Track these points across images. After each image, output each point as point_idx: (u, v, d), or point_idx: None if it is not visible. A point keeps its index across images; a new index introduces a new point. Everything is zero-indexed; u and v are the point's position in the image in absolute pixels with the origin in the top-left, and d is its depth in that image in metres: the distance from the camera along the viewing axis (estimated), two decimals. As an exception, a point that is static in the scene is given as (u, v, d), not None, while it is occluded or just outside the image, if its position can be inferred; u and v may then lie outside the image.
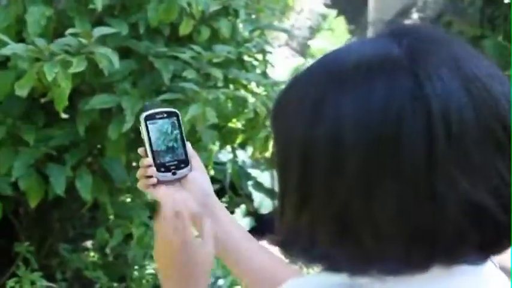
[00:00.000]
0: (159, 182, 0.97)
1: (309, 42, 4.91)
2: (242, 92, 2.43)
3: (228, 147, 3.11)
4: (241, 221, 4.16)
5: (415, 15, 6.29)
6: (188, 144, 1.00)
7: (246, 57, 2.53)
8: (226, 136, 2.51)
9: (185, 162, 0.99)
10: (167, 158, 0.98)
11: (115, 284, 3.14)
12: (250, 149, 3.99)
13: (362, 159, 0.58)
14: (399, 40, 0.61)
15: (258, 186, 4.25)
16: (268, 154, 2.48)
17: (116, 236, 2.72)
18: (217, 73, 2.19)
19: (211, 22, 2.33)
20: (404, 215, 0.58)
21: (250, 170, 4.29)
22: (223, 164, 4.20)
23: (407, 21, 6.55)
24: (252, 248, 0.99)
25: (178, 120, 1.00)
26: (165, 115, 1.00)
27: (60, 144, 2.30)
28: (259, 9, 2.44)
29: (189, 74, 2.12)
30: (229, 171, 4.08)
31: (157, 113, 0.99)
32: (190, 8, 2.19)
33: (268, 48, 2.53)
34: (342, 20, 7.06)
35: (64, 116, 2.02)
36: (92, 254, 3.34)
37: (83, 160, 2.36)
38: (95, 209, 2.94)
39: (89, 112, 2.18)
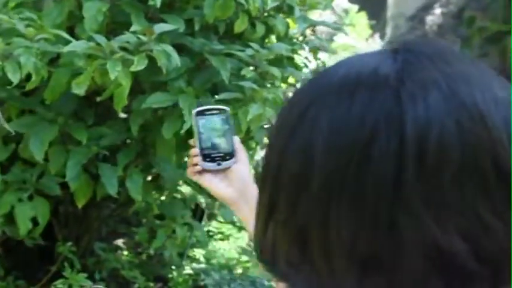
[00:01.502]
0: (204, 171, 1.09)
1: (335, 38, 4.87)
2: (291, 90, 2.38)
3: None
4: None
5: (437, 11, 6.24)
6: (236, 139, 1.10)
7: (295, 55, 2.47)
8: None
9: (231, 154, 1.09)
10: (213, 150, 1.09)
11: (151, 284, 3.09)
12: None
13: (325, 177, 0.54)
14: (396, 55, 0.56)
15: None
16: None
17: (159, 236, 2.68)
18: (275, 71, 2.13)
19: (265, 19, 2.27)
20: (359, 242, 0.53)
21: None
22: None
23: (429, 17, 6.51)
24: None
25: (227, 116, 1.11)
26: (215, 111, 1.11)
27: (111, 144, 2.24)
28: (312, 6, 2.38)
29: (248, 72, 2.06)
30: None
31: (208, 109, 1.11)
32: (248, 5, 2.13)
33: (320, 45, 2.47)
34: (363, 15, 6.99)
35: (122, 115, 1.96)
36: (125, 253, 3.30)
37: (134, 160, 2.31)
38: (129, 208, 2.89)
39: (143, 111, 2.12)
